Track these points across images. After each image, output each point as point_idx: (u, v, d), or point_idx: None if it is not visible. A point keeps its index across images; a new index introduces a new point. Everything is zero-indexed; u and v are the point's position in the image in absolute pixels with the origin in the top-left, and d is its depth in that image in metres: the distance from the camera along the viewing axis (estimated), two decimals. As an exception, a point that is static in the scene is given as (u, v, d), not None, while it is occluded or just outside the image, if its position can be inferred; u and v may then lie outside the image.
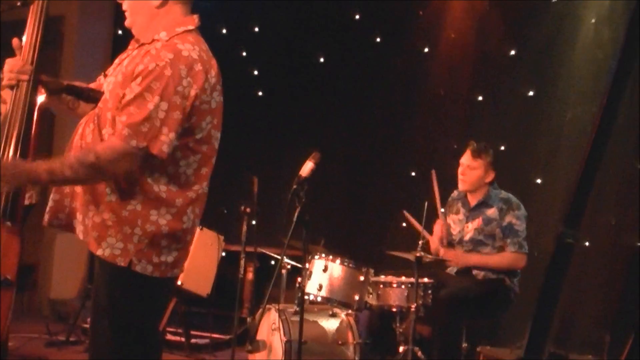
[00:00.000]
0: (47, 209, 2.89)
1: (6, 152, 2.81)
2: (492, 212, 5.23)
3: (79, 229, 2.80)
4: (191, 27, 2.84)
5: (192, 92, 2.68)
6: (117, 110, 2.70)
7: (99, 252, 2.73)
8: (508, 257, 5.14)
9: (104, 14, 7.69)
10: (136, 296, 2.79)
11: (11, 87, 2.85)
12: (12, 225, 2.84)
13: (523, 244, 5.14)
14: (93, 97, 2.87)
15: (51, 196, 2.89)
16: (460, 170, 5.35)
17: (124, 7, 2.89)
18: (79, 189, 2.80)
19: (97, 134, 2.76)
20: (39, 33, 2.89)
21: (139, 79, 2.66)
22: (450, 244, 5.41)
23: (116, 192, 2.71)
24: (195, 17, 2.89)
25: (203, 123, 2.76)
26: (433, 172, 5.29)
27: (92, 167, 2.63)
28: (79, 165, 2.65)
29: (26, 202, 2.88)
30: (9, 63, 2.86)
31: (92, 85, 3.04)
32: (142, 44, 2.83)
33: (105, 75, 2.92)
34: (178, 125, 2.67)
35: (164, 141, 2.65)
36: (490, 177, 5.30)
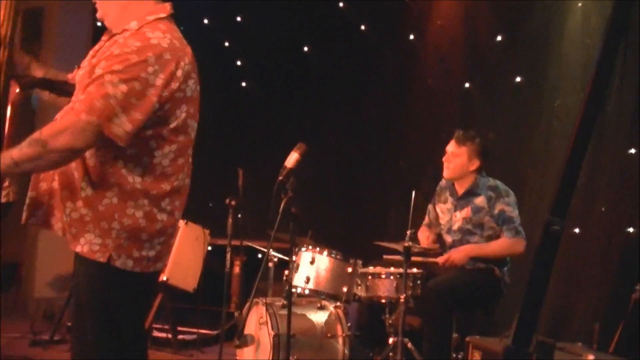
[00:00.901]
0: (25, 206, 2.87)
1: None
2: (480, 200, 5.26)
3: (58, 226, 2.80)
4: (163, 15, 2.82)
5: (159, 82, 2.66)
6: None
7: (77, 249, 2.73)
8: (506, 243, 5.16)
9: (84, 5, 7.66)
10: (118, 292, 2.78)
11: None
12: None
13: (519, 229, 5.16)
14: (67, 90, 2.87)
15: (28, 193, 2.87)
16: (444, 157, 5.38)
17: None
18: (56, 185, 2.79)
19: None
20: (12, 25, 2.86)
21: (103, 63, 2.66)
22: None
23: (90, 186, 2.71)
24: (168, 5, 2.87)
25: (178, 112, 2.75)
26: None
27: (36, 142, 2.58)
28: (24, 144, 2.61)
29: (2, 199, 2.87)
30: None
31: (70, 76, 3.04)
32: (114, 35, 2.82)
33: (79, 68, 2.92)
34: (140, 113, 2.63)
35: (120, 125, 2.60)
36: (475, 165, 5.32)
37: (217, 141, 7.47)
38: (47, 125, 2.63)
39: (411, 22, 7.28)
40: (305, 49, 7.77)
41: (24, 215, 2.88)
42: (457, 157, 5.32)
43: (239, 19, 8.02)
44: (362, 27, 7.45)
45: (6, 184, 2.93)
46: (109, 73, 2.61)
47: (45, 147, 2.58)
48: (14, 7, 2.88)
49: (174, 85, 2.70)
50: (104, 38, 2.92)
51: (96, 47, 2.91)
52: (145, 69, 2.63)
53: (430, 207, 5.62)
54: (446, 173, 5.40)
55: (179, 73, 2.72)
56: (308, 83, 7.76)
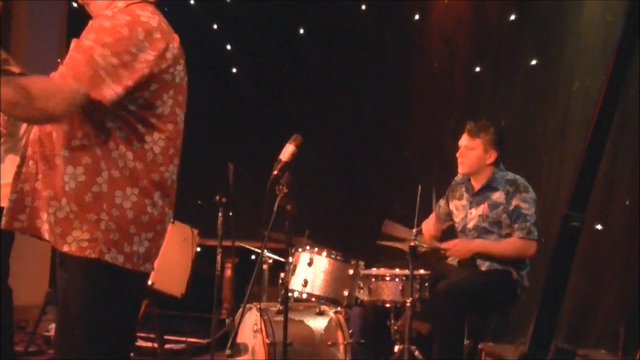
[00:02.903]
0: (5, 210, 2.86)
1: None
2: (497, 195, 5.25)
3: (44, 228, 2.80)
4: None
5: (149, 57, 2.72)
6: None
7: (65, 248, 2.74)
8: (515, 243, 5.15)
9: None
10: (110, 293, 2.80)
11: None
12: None
13: (532, 229, 5.15)
14: None
15: (9, 196, 2.87)
16: (458, 152, 5.37)
17: None
18: (40, 185, 2.80)
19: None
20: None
21: (91, 34, 2.71)
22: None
23: (75, 177, 2.72)
24: None
25: (165, 96, 2.80)
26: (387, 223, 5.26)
27: (22, 90, 2.57)
28: (12, 88, 2.58)
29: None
30: None
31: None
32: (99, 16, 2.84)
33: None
34: (130, 80, 2.69)
35: (109, 86, 2.65)
36: (492, 157, 5.31)
37: (205, 133, 7.46)
38: (37, 80, 2.62)
39: (415, 1, 7.26)
40: (301, 31, 7.76)
41: (4, 220, 2.87)
42: (471, 151, 5.31)
43: (228, -1, 8.01)
44: (362, 7, 7.44)
45: None
46: (99, 45, 2.67)
47: (30, 101, 2.58)
48: None
49: (163, 64, 2.77)
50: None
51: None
52: (136, 44, 2.70)
53: (442, 201, 5.61)
54: (461, 168, 5.39)
55: (168, 55, 2.79)
56: (304, 69, 7.75)
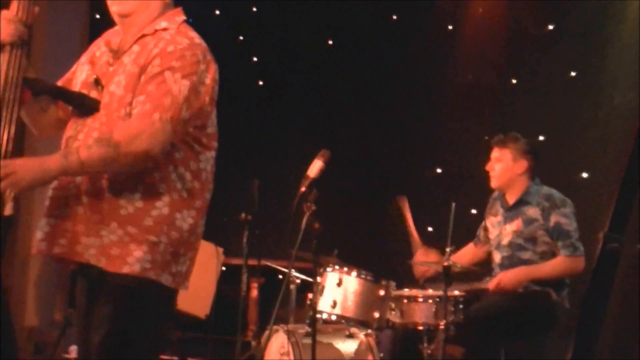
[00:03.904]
0: (42, 235, 2.88)
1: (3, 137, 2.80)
2: (533, 211, 5.22)
3: (89, 252, 2.83)
4: (184, 18, 3.00)
5: (208, 80, 2.87)
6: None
7: (125, 270, 2.78)
8: (562, 262, 5.09)
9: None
10: (160, 313, 2.93)
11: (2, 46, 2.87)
12: None
13: (577, 245, 5.09)
14: (88, 104, 2.89)
15: (44, 220, 2.90)
16: (487, 165, 5.37)
17: None
18: (83, 209, 2.84)
19: None
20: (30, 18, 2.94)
21: (157, 60, 2.82)
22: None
23: (134, 201, 2.80)
24: (180, 9, 3.05)
25: (213, 116, 2.95)
26: (404, 198, 5.26)
27: (110, 144, 2.70)
28: (94, 144, 2.74)
29: (7, 212, 2.88)
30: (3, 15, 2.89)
31: (60, 83, 3.08)
32: (144, 36, 2.93)
33: (99, 82, 2.93)
34: (196, 109, 2.83)
35: (186, 119, 2.80)
36: (522, 166, 5.28)
37: (230, 148, 7.45)
38: (119, 128, 2.76)
39: (448, 10, 7.27)
40: (330, 42, 7.79)
41: (43, 245, 2.89)
42: (500, 162, 5.30)
43: (254, 9, 8.04)
44: (394, 17, 7.45)
45: (12, 195, 2.94)
46: (168, 70, 2.80)
47: (118, 150, 2.70)
48: None
49: (216, 87, 2.92)
50: (112, 45, 2.99)
51: (105, 56, 2.98)
52: (199, 66, 2.85)
53: (482, 223, 5.60)
54: (493, 182, 5.38)
55: (217, 75, 2.93)
56: (332, 82, 7.77)
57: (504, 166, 5.30)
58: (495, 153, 5.33)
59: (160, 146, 2.75)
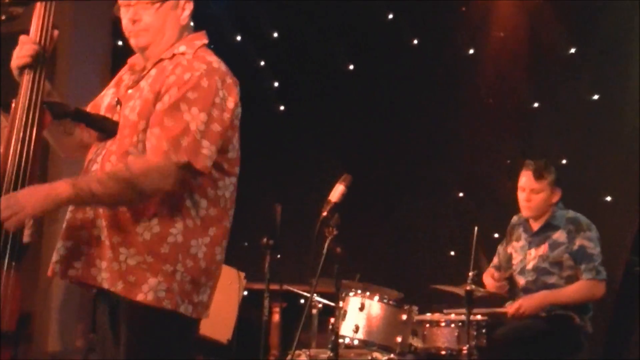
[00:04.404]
0: (58, 257, 2.90)
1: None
2: (559, 235, 5.22)
3: (103, 276, 2.83)
4: (206, 42, 3.00)
5: (230, 105, 2.83)
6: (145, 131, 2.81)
7: (139, 298, 2.77)
8: (584, 286, 5.09)
9: (101, 24, 7.79)
10: (181, 342, 2.88)
11: (20, 70, 2.88)
12: (16, 267, 2.78)
13: (600, 269, 5.09)
14: (109, 127, 2.90)
15: (61, 243, 2.91)
16: (523, 196, 5.32)
17: (139, 24, 2.94)
18: (96, 232, 2.84)
19: None
20: (48, 37, 2.95)
21: (174, 89, 2.78)
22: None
23: (149, 228, 2.78)
24: (203, 33, 3.04)
25: (234, 140, 2.91)
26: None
27: (124, 181, 2.69)
28: (108, 179, 2.71)
29: (25, 239, 2.89)
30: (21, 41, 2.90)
31: (88, 108, 3.10)
32: (161, 60, 2.93)
33: (119, 103, 2.96)
34: (219, 138, 2.79)
35: (207, 155, 2.75)
36: (557, 196, 5.31)
37: (252, 173, 7.47)
38: (134, 163, 2.74)
39: (469, 34, 7.27)
40: (351, 67, 7.80)
41: (59, 268, 2.90)
42: (538, 194, 5.28)
43: (275, 35, 8.07)
44: (415, 42, 7.46)
45: (30, 222, 2.96)
46: (184, 102, 2.75)
47: (134, 187, 2.70)
48: (50, 14, 2.95)
49: (238, 110, 2.89)
50: (135, 68, 3.02)
51: (126, 80, 3.00)
52: (217, 93, 2.80)
53: (500, 248, 5.58)
54: (526, 212, 5.36)
55: (238, 98, 2.90)
56: (353, 106, 7.77)
57: (542, 198, 5.29)
58: (533, 184, 5.28)
59: (173, 185, 2.73)
